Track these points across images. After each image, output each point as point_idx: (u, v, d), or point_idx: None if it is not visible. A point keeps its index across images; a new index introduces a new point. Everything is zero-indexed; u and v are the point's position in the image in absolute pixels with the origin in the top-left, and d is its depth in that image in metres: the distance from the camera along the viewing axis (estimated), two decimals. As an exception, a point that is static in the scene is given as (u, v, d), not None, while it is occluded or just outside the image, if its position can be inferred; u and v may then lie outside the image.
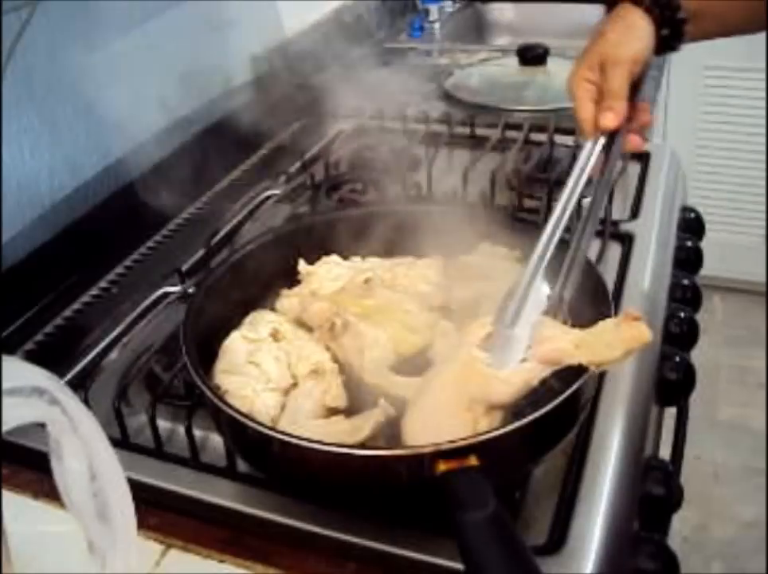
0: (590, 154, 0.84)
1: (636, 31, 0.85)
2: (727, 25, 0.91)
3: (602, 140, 0.84)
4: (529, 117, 1.58)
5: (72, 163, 1.16)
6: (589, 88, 0.85)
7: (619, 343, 0.71)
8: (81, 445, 0.47)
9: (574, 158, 1.32)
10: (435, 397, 0.74)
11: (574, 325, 0.76)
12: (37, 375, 0.45)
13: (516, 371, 0.73)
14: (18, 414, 0.44)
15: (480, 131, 1.50)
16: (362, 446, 0.71)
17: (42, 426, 0.49)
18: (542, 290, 0.77)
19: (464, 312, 0.89)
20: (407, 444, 0.70)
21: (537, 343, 0.74)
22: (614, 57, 0.84)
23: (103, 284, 1.11)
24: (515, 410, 0.72)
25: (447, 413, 0.72)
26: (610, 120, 0.83)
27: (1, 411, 0.44)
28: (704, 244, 1.28)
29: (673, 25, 0.86)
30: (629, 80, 0.84)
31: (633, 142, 0.87)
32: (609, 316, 0.75)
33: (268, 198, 1.31)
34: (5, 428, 0.44)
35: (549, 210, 1.21)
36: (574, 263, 0.78)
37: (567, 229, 0.81)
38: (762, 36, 0.94)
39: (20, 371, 0.45)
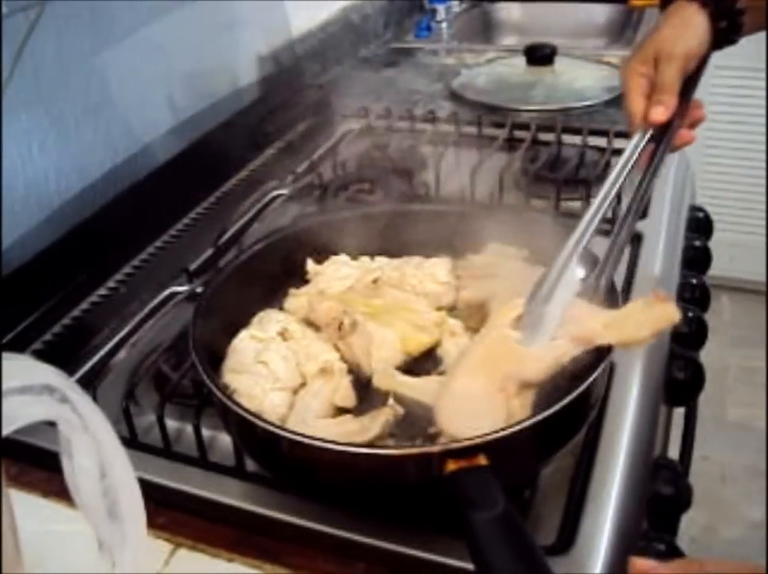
0: (637, 146, 0.85)
1: (690, 27, 0.86)
2: None
3: (650, 133, 0.85)
4: (536, 117, 1.58)
5: (79, 163, 1.17)
6: (641, 82, 0.86)
7: (647, 323, 0.72)
8: (92, 443, 0.47)
9: (581, 157, 1.34)
10: (467, 379, 0.75)
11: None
12: (48, 373, 0.45)
13: (547, 348, 0.74)
14: (29, 412, 0.44)
15: (487, 131, 1.50)
16: (370, 445, 0.71)
17: (51, 424, 0.49)
18: (577, 273, 0.78)
19: (472, 311, 0.89)
20: (444, 429, 0.71)
21: (567, 322, 0.75)
22: (668, 52, 0.84)
23: (111, 283, 1.11)
24: (544, 393, 0.73)
25: (480, 394, 0.73)
26: (660, 114, 0.84)
27: (2, 409, 0.44)
28: (713, 244, 1.28)
29: (730, 17, 0.86)
30: (682, 76, 0.85)
31: (684, 137, 0.88)
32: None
33: (275, 197, 1.31)
34: (16, 426, 0.44)
35: (557, 208, 1.22)
36: (613, 251, 0.78)
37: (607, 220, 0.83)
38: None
39: (30, 369, 0.45)
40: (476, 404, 0.72)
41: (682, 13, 0.87)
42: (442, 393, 0.74)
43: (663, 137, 0.85)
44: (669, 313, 0.72)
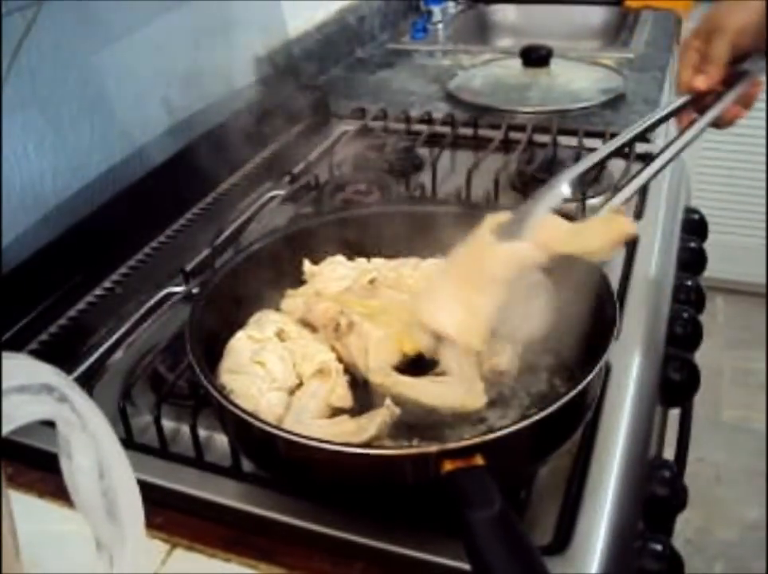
0: (670, 103, 0.91)
1: (747, 1, 0.87)
2: None
3: (688, 97, 0.90)
4: (532, 118, 1.58)
5: (76, 163, 1.16)
6: (693, 55, 0.89)
7: (606, 235, 0.78)
8: (91, 442, 0.47)
9: (577, 159, 1.34)
10: (445, 275, 0.82)
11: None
12: (47, 373, 0.45)
13: (513, 248, 0.78)
14: (28, 411, 0.44)
15: (483, 133, 1.50)
16: (367, 445, 0.71)
17: (47, 425, 0.49)
18: (562, 190, 0.83)
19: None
20: (424, 321, 0.79)
21: (536, 230, 0.79)
22: (720, 25, 0.87)
23: (107, 284, 1.10)
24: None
25: (455, 290, 0.79)
26: (700, 82, 0.87)
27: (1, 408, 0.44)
28: (708, 245, 1.28)
29: None
30: (731, 49, 0.87)
31: (732, 111, 0.90)
32: (613, 316, 0.76)
33: (272, 198, 1.31)
34: (15, 425, 0.44)
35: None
36: (622, 181, 0.83)
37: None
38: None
39: (29, 368, 0.45)
40: (452, 298, 0.78)
41: None
42: (425, 288, 0.82)
43: (707, 107, 0.89)
44: (624, 226, 0.79)
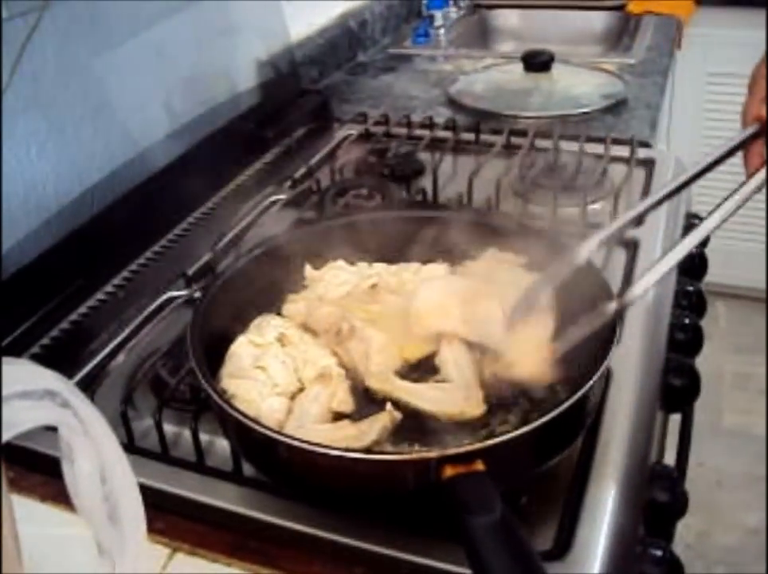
0: (734, 138, 0.87)
1: None
2: None
3: (756, 128, 0.86)
4: (534, 123, 1.58)
5: (78, 167, 1.17)
6: (762, 84, 0.88)
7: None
8: (93, 447, 0.47)
9: (578, 164, 1.35)
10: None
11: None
12: (49, 378, 0.46)
13: None
14: (30, 417, 0.44)
15: (484, 138, 1.50)
16: (368, 450, 0.71)
17: (49, 429, 0.49)
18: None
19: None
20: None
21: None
22: None
23: (109, 288, 1.11)
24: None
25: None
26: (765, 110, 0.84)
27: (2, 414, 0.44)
28: (709, 251, 1.28)
29: None
30: None
31: None
32: (614, 322, 0.76)
33: (273, 203, 1.31)
34: (17, 431, 0.44)
35: (554, 215, 1.22)
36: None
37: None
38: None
39: (31, 373, 0.45)
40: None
41: None
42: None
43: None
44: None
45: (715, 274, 1.34)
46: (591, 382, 0.69)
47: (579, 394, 0.68)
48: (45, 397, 0.45)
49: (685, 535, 2.03)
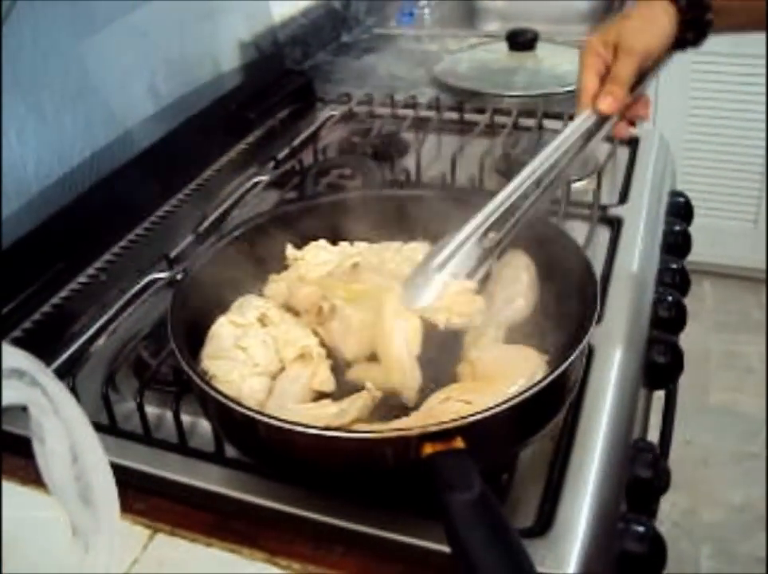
0: (578, 129, 0.86)
1: (655, 26, 0.86)
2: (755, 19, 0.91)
3: (593, 119, 0.86)
4: (518, 102, 1.58)
5: (59, 149, 1.15)
6: (597, 61, 0.86)
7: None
8: (63, 427, 0.47)
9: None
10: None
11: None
12: (17, 357, 0.45)
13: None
14: (-2, 396, 0.44)
15: (468, 117, 1.50)
16: (348, 429, 0.71)
17: (27, 410, 0.49)
18: (475, 250, 0.83)
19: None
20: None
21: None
22: (629, 45, 0.84)
23: (91, 271, 1.10)
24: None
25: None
26: (608, 105, 0.84)
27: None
28: (693, 229, 1.28)
29: (698, 25, 0.87)
30: (637, 71, 0.85)
31: (621, 129, 0.88)
32: (595, 299, 0.75)
33: (256, 184, 1.30)
34: (-17, 410, 0.44)
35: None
36: (516, 223, 0.83)
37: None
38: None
39: (-1, 353, 0.45)
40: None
41: (653, 7, 0.87)
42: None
43: (600, 126, 0.86)
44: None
45: (701, 253, 1.34)
46: (570, 358, 0.69)
47: (558, 370, 0.68)
48: (12, 376, 0.44)
49: (671, 513, 2.04)
